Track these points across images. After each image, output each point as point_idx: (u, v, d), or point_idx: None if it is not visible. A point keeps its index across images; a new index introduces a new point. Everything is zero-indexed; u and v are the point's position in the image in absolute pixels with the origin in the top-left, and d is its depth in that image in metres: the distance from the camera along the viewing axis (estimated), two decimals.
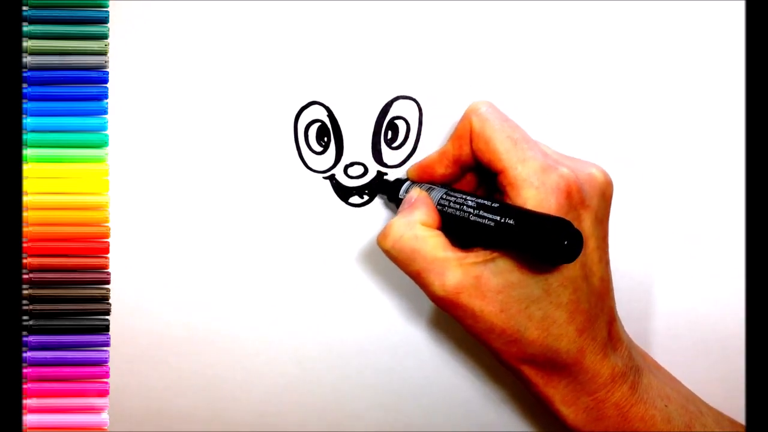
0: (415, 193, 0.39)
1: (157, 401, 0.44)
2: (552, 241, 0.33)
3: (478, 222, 0.36)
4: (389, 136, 0.43)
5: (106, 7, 0.41)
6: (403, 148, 0.43)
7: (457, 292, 0.36)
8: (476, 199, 0.37)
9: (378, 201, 0.44)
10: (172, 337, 0.43)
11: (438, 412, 0.45)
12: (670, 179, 0.45)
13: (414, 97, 0.43)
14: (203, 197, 0.43)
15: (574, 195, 0.36)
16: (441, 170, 0.40)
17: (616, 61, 0.44)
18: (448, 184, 0.41)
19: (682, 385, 0.41)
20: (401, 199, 0.41)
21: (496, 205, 0.36)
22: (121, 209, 0.43)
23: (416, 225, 0.37)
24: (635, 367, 0.39)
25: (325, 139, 0.43)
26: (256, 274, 0.44)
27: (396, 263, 0.38)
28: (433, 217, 0.38)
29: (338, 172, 0.44)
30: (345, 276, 0.44)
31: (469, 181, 0.41)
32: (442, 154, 0.40)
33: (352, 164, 0.43)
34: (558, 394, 0.38)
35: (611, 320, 0.39)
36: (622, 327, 0.40)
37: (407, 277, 0.45)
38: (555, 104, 0.43)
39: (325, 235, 0.44)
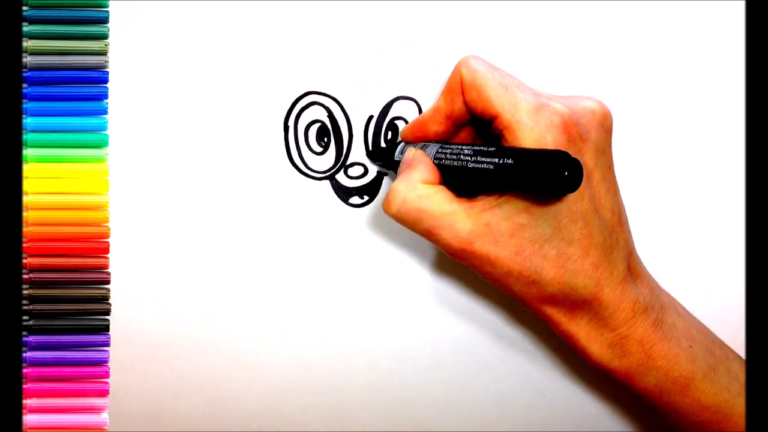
0: (411, 153, 0.39)
1: (157, 401, 0.44)
2: (552, 172, 0.33)
3: (478, 168, 0.36)
4: (389, 136, 0.43)
5: (106, 7, 0.41)
6: None
7: (470, 241, 0.36)
8: (472, 147, 0.37)
9: (378, 201, 0.44)
10: (173, 337, 0.43)
11: (438, 414, 0.45)
12: (670, 179, 0.45)
13: (414, 97, 0.43)
14: (203, 197, 0.43)
15: (570, 129, 0.36)
16: (434, 127, 0.40)
17: (615, 62, 0.44)
18: (442, 140, 0.40)
19: (710, 330, 0.41)
20: (398, 162, 0.41)
21: (493, 149, 0.36)
22: (121, 209, 0.42)
23: (417, 184, 0.37)
24: (659, 303, 0.39)
25: (325, 139, 0.43)
26: (256, 274, 0.44)
27: (405, 226, 0.38)
28: (432, 173, 0.38)
29: (338, 172, 0.44)
30: (345, 277, 0.44)
31: (463, 138, 0.40)
32: (434, 110, 0.39)
33: (352, 164, 0.43)
34: (581, 331, 0.38)
35: (629, 254, 0.39)
36: (642, 263, 0.40)
37: (408, 278, 0.45)
38: None
39: (326, 235, 0.44)
